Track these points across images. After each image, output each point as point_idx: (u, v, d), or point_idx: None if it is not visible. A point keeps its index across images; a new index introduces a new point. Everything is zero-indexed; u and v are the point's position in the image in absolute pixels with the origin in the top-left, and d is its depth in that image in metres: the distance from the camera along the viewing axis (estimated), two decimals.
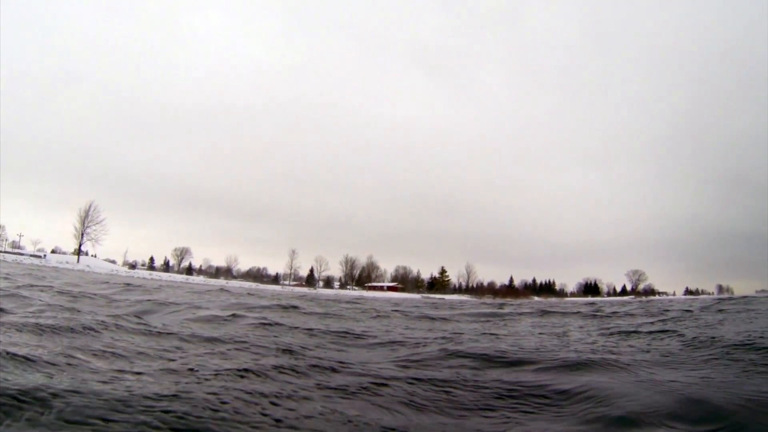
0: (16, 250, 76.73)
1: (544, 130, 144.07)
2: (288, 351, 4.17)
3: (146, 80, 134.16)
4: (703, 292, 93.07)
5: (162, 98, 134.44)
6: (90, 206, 76.95)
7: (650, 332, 6.41)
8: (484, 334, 6.72)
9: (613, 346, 5.17)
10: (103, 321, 5.00)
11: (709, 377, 3.30)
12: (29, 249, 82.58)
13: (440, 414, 2.29)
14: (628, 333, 6.52)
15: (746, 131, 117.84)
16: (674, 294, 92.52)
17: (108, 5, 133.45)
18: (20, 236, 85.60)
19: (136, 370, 2.83)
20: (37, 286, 10.97)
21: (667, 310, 13.00)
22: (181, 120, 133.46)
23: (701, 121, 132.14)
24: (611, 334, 6.57)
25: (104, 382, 2.35)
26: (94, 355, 3.21)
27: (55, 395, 1.93)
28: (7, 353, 2.63)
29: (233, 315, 7.32)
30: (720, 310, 12.23)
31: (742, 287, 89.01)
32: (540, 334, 6.87)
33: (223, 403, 2.15)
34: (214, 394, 2.32)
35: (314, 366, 3.38)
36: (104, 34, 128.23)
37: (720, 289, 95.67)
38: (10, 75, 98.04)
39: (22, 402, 1.82)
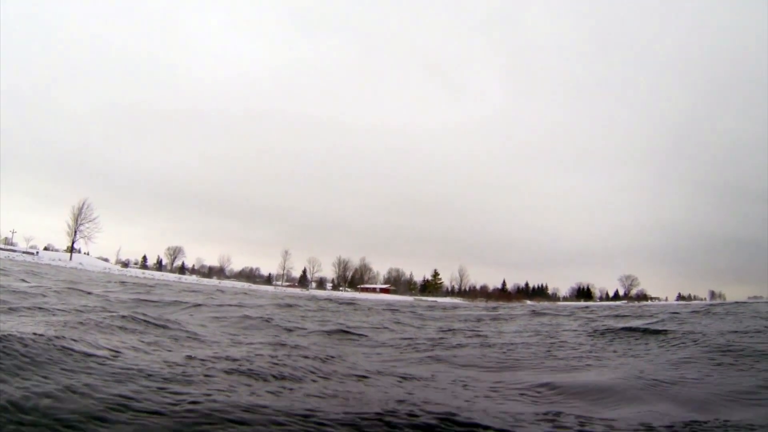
0: (9, 247, 76.18)
1: (540, 133, 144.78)
2: (283, 345, 4.36)
3: (142, 79, 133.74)
4: (695, 298, 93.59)
5: (158, 97, 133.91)
6: (83, 204, 76.32)
7: (635, 331, 6.64)
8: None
9: (601, 348, 5.39)
10: (115, 316, 5.16)
11: (686, 374, 3.53)
12: (22, 246, 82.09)
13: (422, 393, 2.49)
14: (616, 332, 6.74)
15: (742, 138, 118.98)
16: (666, 299, 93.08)
17: (107, 5, 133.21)
18: (13, 233, 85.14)
19: (150, 358, 3.01)
20: (40, 285, 11.09)
21: (658, 314, 13.28)
22: (176, 119, 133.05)
23: (698, 127, 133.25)
24: (602, 334, 6.78)
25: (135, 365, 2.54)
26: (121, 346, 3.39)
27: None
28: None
29: (244, 316, 7.52)
30: (708, 313, 12.50)
31: (734, 293, 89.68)
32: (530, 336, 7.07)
33: (232, 386, 2.35)
34: (211, 376, 2.54)
35: (306, 356, 3.59)
36: (102, 33, 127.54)
37: (712, 294, 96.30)
38: (7, 72, 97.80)
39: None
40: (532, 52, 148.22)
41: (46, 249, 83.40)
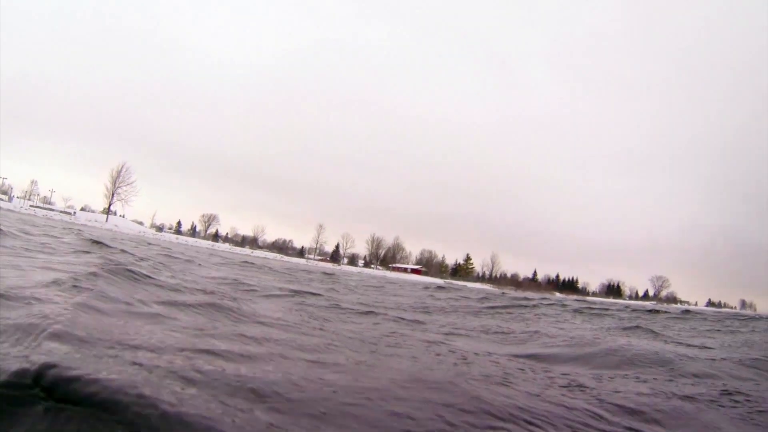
0: (47, 206, 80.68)
1: (584, 128, 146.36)
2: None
3: (184, 47, 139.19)
4: (725, 305, 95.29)
5: (200, 66, 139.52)
6: (122, 167, 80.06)
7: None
8: None
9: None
10: None
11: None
12: (59, 205, 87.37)
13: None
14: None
15: None
16: (696, 304, 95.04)
17: None
18: (52, 192, 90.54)
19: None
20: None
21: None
22: (218, 91, 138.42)
23: (740, 132, 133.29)
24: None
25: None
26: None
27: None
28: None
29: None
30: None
31: (766, 304, 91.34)
32: None
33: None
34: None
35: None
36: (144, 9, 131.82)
37: (743, 304, 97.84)
38: (52, 34, 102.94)
39: None
40: (581, 48, 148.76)
41: (82, 209, 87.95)
